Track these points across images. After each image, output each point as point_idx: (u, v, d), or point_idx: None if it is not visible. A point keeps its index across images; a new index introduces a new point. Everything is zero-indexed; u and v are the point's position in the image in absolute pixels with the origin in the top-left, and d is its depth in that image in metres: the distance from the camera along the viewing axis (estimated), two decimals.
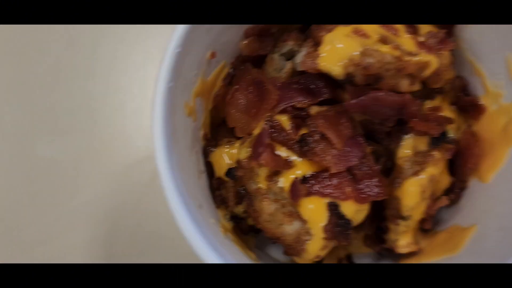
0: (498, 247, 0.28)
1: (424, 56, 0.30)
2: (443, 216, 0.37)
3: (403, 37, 0.31)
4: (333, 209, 0.31)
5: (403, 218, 0.33)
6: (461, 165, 0.35)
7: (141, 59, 0.48)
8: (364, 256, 0.41)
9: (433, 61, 0.30)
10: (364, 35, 0.30)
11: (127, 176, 0.45)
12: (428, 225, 0.35)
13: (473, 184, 0.35)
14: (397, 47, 0.30)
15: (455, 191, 0.36)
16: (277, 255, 0.40)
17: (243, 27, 0.33)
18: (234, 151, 0.34)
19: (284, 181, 0.31)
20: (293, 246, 0.32)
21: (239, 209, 0.35)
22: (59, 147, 0.48)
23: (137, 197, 0.45)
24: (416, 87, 0.31)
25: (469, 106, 0.35)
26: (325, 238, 0.31)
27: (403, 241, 0.35)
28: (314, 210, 0.31)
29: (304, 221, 0.31)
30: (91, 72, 0.49)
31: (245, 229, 0.37)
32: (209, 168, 0.35)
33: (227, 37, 0.32)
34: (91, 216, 0.46)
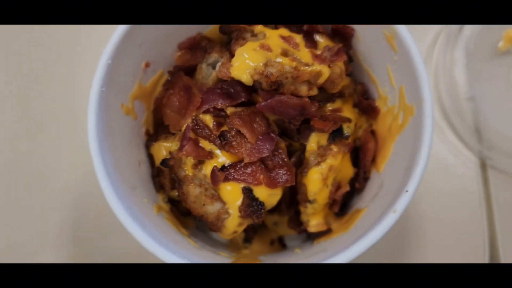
0: (369, 223, 0.34)
1: (317, 67, 0.35)
2: (353, 203, 0.44)
3: (302, 50, 0.37)
4: (247, 192, 0.37)
5: (310, 201, 0.39)
6: (363, 158, 0.41)
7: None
8: (293, 237, 0.47)
9: (324, 70, 0.36)
10: (268, 49, 0.36)
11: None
12: (336, 208, 0.41)
13: (373, 174, 0.41)
14: (294, 59, 0.36)
15: (359, 180, 0.41)
16: (216, 236, 0.46)
17: (175, 41, 0.39)
18: (169, 144, 0.40)
19: (206, 169, 0.36)
20: (215, 223, 0.38)
21: (174, 193, 0.40)
22: (36, 143, 0.53)
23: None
24: (314, 92, 0.37)
25: (368, 108, 0.40)
26: (241, 216, 0.37)
27: (313, 221, 0.41)
28: (231, 193, 0.37)
29: (223, 202, 0.37)
30: (65, 77, 0.55)
31: (182, 211, 0.43)
32: (151, 159, 0.42)
33: (160, 49, 0.38)
34: (62, 203, 0.51)
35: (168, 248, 0.31)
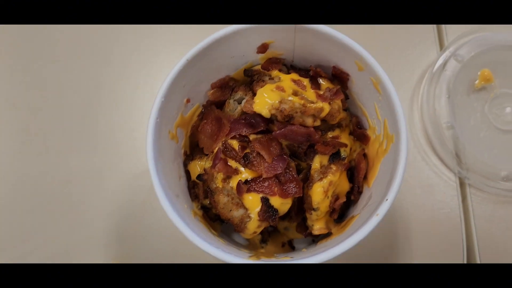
0: (358, 225, 0.43)
1: (320, 104, 0.45)
2: (349, 212, 0.51)
3: (309, 91, 0.46)
4: (265, 201, 0.45)
5: (314, 209, 0.47)
6: (357, 175, 0.49)
7: (146, 98, 0.65)
8: (300, 241, 0.55)
9: (325, 107, 0.45)
10: (283, 90, 0.45)
11: (136, 180, 0.61)
12: (335, 216, 0.49)
13: (364, 188, 0.49)
14: (303, 98, 0.45)
15: (354, 193, 0.50)
16: (237, 239, 0.55)
17: (209, 82, 0.49)
18: (203, 163, 0.50)
19: (233, 182, 0.45)
20: (239, 225, 0.46)
21: (206, 202, 0.49)
22: (87, 159, 0.62)
23: (142, 198, 0.62)
24: (318, 123, 0.46)
25: (361, 136, 0.49)
26: (259, 220, 0.45)
27: (316, 226, 0.48)
28: (252, 202, 0.45)
29: (246, 209, 0.45)
30: (110, 104, 0.65)
31: (212, 217, 0.52)
32: (188, 174, 0.51)
33: (198, 89, 0.48)
34: (106, 211, 0.60)
35: (206, 241, 0.41)
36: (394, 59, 0.65)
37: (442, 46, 0.66)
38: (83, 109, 0.65)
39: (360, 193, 0.50)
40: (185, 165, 0.51)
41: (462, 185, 0.61)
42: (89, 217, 0.61)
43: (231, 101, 0.49)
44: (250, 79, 0.50)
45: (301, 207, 0.50)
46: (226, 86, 0.51)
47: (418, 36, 0.66)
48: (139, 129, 0.63)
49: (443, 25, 0.67)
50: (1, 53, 0.69)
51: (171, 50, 0.43)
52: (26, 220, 0.61)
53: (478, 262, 0.58)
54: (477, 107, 0.63)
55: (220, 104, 0.51)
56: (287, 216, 0.52)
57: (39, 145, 0.64)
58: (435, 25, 0.67)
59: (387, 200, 0.40)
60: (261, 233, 0.52)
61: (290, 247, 0.55)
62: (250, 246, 0.54)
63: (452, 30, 0.66)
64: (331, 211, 0.49)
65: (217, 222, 0.53)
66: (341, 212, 0.51)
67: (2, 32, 0.70)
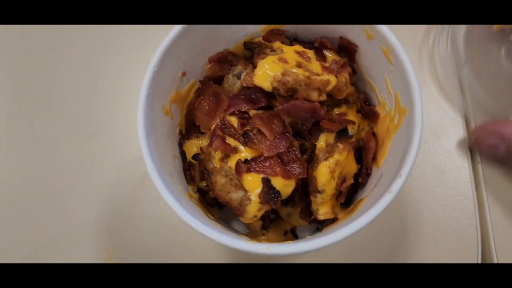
0: (368, 205, 0.40)
1: (326, 76, 0.42)
2: (357, 196, 0.49)
3: (314, 63, 0.43)
4: (266, 182, 0.42)
5: (319, 192, 0.44)
6: (365, 156, 0.47)
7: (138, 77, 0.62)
8: (304, 228, 0.52)
9: (332, 79, 0.42)
10: (285, 61, 0.42)
11: (128, 167, 0.58)
12: (342, 199, 0.46)
13: (374, 170, 0.46)
14: (307, 70, 0.42)
15: (362, 176, 0.47)
16: (237, 227, 0.52)
17: (206, 55, 0.46)
18: (200, 142, 0.46)
19: (231, 162, 0.42)
20: (238, 208, 0.43)
21: (203, 184, 0.46)
22: (77, 146, 0.59)
23: (134, 185, 0.58)
24: (323, 98, 0.43)
25: (369, 113, 0.46)
26: (260, 203, 0.42)
27: (322, 210, 0.45)
28: (252, 182, 0.42)
29: (245, 190, 0.42)
30: (101, 90, 0.62)
31: (209, 201, 0.48)
32: (183, 156, 0.48)
33: (195, 62, 0.45)
34: (97, 199, 0.56)
35: (202, 222, 0.37)
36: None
37: None
38: (73, 95, 0.62)
39: (368, 174, 0.47)
40: (180, 144, 0.48)
41: (476, 172, 0.58)
42: (79, 206, 0.58)
43: (230, 76, 0.46)
44: (251, 53, 0.47)
45: (305, 190, 0.47)
46: (224, 61, 0.48)
47: None
48: (132, 114, 0.60)
49: None
50: None
51: (166, 31, 0.40)
52: (13, 209, 0.58)
53: (495, 262, 0.54)
54: (493, 52, 0.59)
55: (218, 80, 0.48)
56: (290, 200, 0.49)
57: (28, 131, 0.61)
58: None
59: (400, 176, 0.37)
60: (262, 218, 0.49)
61: (293, 235, 0.52)
62: (250, 234, 0.51)
63: None
64: (338, 194, 0.46)
65: (214, 207, 0.50)
66: (348, 196, 0.48)
67: None
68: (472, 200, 0.56)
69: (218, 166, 0.43)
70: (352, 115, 0.46)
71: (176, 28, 0.41)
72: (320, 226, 0.52)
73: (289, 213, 0.51)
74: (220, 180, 0.43)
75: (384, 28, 0.40)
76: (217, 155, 0.43)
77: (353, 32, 0.43)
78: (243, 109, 0.44)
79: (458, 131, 0.58)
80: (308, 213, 0.49)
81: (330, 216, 0.46)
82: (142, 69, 0.40)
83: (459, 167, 0.57)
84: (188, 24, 0.41)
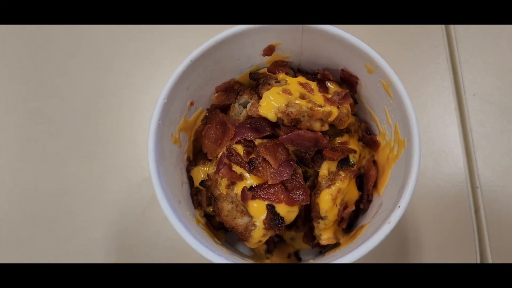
0: (369, 233, 0.41)
1: (328, 108, 0.43)
2: (358, 222, 0.50)
3: (316, 94, 0.45)
4: (270, 208, 0.43)
5: (322, 218, 0.45)
6: (366, 183, 0.48)
7: (148, 103, 0.63)
8: (307, 252, 0.53)
9: (334, 111, 0.43)
10: (289, 93, 0.44)
11: (137, 188, 0.60)
12: (344, 225, 0.47)
13: (375, 197, 0.47)
14: (310, 101, 0.44)
15: (364, 202, 0.48)
16: (242, 249, 0.53)
17: (213, 85, 0.48)
18: (207, 168, 0.48)
19: (237, 189, 0.43)
20: (243, 233, 0.44)
21: (210, 209, 0.48)
22: (85, 167, 0.61)
23: (142, 207, 0.60)
24: (326, 128, 0.44)
25: (370, 142, 0.48)
26: (265, 228, 0.43)
27: (324, 235, 0.47)
28: (257, 209, 0.43)
29: (251, 216, 0.43)
30: (111, 113, 0.64)
31: (216, 225, 0.50)
32: (190, 181, 0.49)
33: (202, 92, 0.47)
34: (106, 219, 0.58)
35: (208, 248, 0.39)
36: (403, 62, 0.63)
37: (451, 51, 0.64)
38: (83, 116, 0.64)
39: (369, 201, 0.49)
40: (188, 170, 0.49)
41: (474, 194, 0.59)
42: (88, 225, 0.60)
43: (236, 105, 0.48)
44: (256, 83, 0.49)
45: (308, 216, 0.48)
46: (231, 90, 0.49)
47: (426, 37, 0.65)
48: (141, 136, 0.62)
49: (452, 29, 0.65)
50: (3, 60, 0.68)
51: (175, 55, 0.42)
52: (27, 227, 0.60)
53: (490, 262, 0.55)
54: None
55: (224, 109, 0.49)
56: (293, 225, 0.50)
57: (39, 152, 0.63)
58: (444, 28, 0.65)
59: (399, 207, 0.38)
60: (267, 243, 0.51)
61: (296, 258, 0.54)
62: (255, 256, 0.52)
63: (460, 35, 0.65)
64: (340, 220, 0.48)
65: (220, 231, 0.51)
66: (349, 222, 0.50)
67: (4, 40, 0.69)
68: (471, 223, 0.58)
69: (224, 193, 0.44)
70: (353, 144, 0.48)
71: (186, 61, 0.43)
72: (323, 249, 0.54)
73: (293, 237, 0.52)
74: (226, 206, 0.45)
75: (383, 63, 0.42)
76: (223, 182, 0.45)
77: (354, 65, 0.45)
78: (249, 138, 0.45)
79: (457, 157, 0.59)
80: (311, 237, 0.50)
81: (333, 241, 0.48)
82: (152, 93, 0.42)
83: (458, 191, 0.58)
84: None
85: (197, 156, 0.51)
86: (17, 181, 0.62)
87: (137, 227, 0.59)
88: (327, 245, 0.50)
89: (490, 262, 0.56)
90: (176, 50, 0.64)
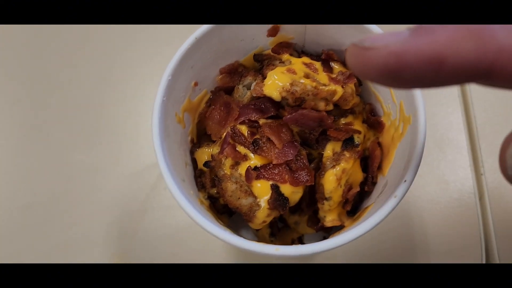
0: (374, 210, 0.41)
1: (332, 86, 0.43)
2: (363, 205, 0.51)
3: (321, 74, 0.45)
4: (275, 188, 0.43)
5: (326, 199, 0.45)
6: (371, 165, 0.48)
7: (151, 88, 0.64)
8: (311, 237, 0.54)
9: (338, 89, 0.43)
10: (294, 72, 0.44)
11: (139, 176, 0.60)
12: (348, 207, 0.47)
13: (379, 178, 0.47)
14: (314, 80, 0.44)
15: (368, 184, 0.48)
16: (245, 235, 0.52)
17: (218, 66, 0.48)
18: (211, 150, 0.48)
19: (242, 169, 0.43)
20: (248, 214, 0.44)
21: (213, 191, 0.47)
22: (90, 154, 0.61)
23: (145, 193, 0.60)
24: (330, 107, 0.44)
25: (375, 123, 0.48)
26: (269, 208, 0.43)
27: (329, 217, 0.46)
28: (262, 189, 0.43)
29: (255, 197, 0.43)
30: (114, 100, 0.64)
31: (219, 208, 0.50)
32: (194, 163, 0.50)
33: (206, 72, 0.47)
34: (110, 206, 0.58)
35: (214, 224, 0.38)
36: None
37: None
38: (86, 104, 0.64)
39: (374, 183, 0.49)
40: (192, 152, 0.49)
41: (478, 181, 0.59)
42: (90, 213, 0.60)
43: (240, 86, 0.48)
44: (260, 65, 0.49)
45: (312, 198, 0.48)
46: (235, 72, 0.49)
47: None
48: (143, 124, 0.62)
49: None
50: (5, 50, 0.68)
51: (177, 45, 0.42)
52: (27, 215, 0.60)
53: (497, 262, 0.55)
54: None
55: (228, 91, 0.49)
56: (297, 209, 0.50)
57: (41, 140, 0.63)
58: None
59: (405, 181, 0.38)
60: (270, 226, 0.51)
61: (300, 243, 0.53)
62: (258, 241, 0.51)
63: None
64: (344, 202, 0.47)
65: (224, 214, 0.51)
66: (354, 205, 0.49)
67: (7, 31, 0.69)
68: (476, 211, 0.57)
69: (228, 173, 0.44)
70: (358, 125, 0.48)
71: (190, 38, 0.43)
72: (326, 234, 0.53)
73: (297, 221, 0.52)
74: (230, 186, 0.45)
75: None
76: (227, 162, 0.45)
77: None
78: (253, 119, 0.45)
79: (461, 143, 0.59)
80: (315, 220, 0.50)
81: (337, 223, 0.47)
82: (154, 82, 0.42)
83: (463, 178, 0.58)
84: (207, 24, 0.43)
85: (201, 138, 0.51)
86: (19, 169, 0.61)
87: (140, 214, 0.59)
88: (331, 229, 0.50)
89: (495, 251, 0.56)
90: (178, 42, 0.65)
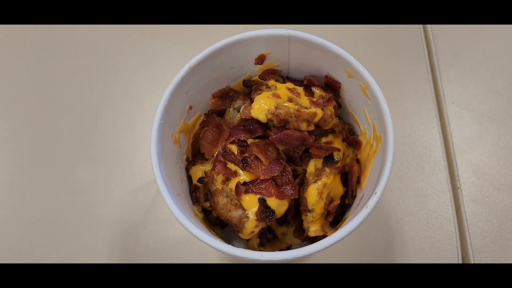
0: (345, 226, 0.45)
1: (313, 109, 0.48)
2: (345, 215, 0.54)
3: (303, 98, 0.49)
4: (262, 202, 0.47)
5: (309, 211, 0.49)
6: (350, 179, 0.52)
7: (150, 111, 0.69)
8: (298, 247, 0.56)
9: (318, 112, 0.48)
10: (278, 96, 0.48)
11: (138, 192, 0.64)
12: (330, 218, 0.51)
13: (358, 192, 0.51)
14: (297, 104, 0.48)
15: (348, 197, 0.51)
16: (236, 244, 0.56)
17: (210, 91, 0.53)
18: (204, 167, 0.52)
19: (232, 184, 0.47)
20: (237, 225, 0.48)
21: (207, 204, 0.52)
22: (91, 172, 0.65)
23: (145, 208, 0.64)
24: (312, 128, 0.49)
25: (353, 142, 0.52)
26: (257, 220, 0.47)
27: (312, 228, 0.50)
28: (250, 202, 0.47)
29: (244, 209, 0.47)
30: (117, 121, 0.69)
31: (213, 220, 0.54)
32: (189, 180, 0.54)
33: (200, 97, 0.52)
34: (112, 219, 0.63)
35: (206, 233, 0.43)
36: (387, 74, 0.68)
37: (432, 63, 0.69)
38: (89, 123, 0.69)
39: (354, 196, 0.52)
40: (187, 169, 0.53)
41: (455, 194, 0.63)
42: (94, 226, 0.64)
43: (231, 109, 0.52)
44: (249, 90, 0.54)
45: (297, 211, 0.52)
46: (226, 96, 0.54)
47: (408, 51, 0.70)
48: (142, 144, 0.66)
49: (431, 42, 0.70)
50: (12, 69, 0.74)
51: (176, 66, 0.47)
52: (35, 229, 0.64)
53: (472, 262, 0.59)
54: None
55: (220, 113, 0.54)
56: (284, 221, 0.54)
57: (49, 159, 0.68)
58: (424, 42, 0.70)
59: (376, 193, 0.42)
60: (260, 236, 0.54)
61: None
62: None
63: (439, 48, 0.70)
64: (326, 214, 0.51)
65: (217, 227, 0.55)
66: (336, 217, 0.53)
67: (14, 46, 0.74)
68: (453, 222, 0.62)
69: (220, 188, 0.49)
70: (338, 144, 0.52)
71: (185, 68, 0.47)
72: (306, 239, 0.57)
73: (284, 232, 0.56)
74: (221, 200, 0.49)
75: (361, 67, 0.46)
76: (219, 178, 0.49)
77: (336, 71, 0.50)
78: (242, 138, 0.50)
79: (439, 159, 0.64)
80: (301, 231, 0.54)
81: (320, 233, 0.51)
82: (152, 106, 0.46)
83: (440, 191, 0.63)
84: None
85: (195, 157, 0.55)
86: (27, 185, 0.66)
87: (139, 227, 0.63)
88: (315, 239, 0.54)
89: (472, 262, 0.60)
90: (178, 63, 0.70)
